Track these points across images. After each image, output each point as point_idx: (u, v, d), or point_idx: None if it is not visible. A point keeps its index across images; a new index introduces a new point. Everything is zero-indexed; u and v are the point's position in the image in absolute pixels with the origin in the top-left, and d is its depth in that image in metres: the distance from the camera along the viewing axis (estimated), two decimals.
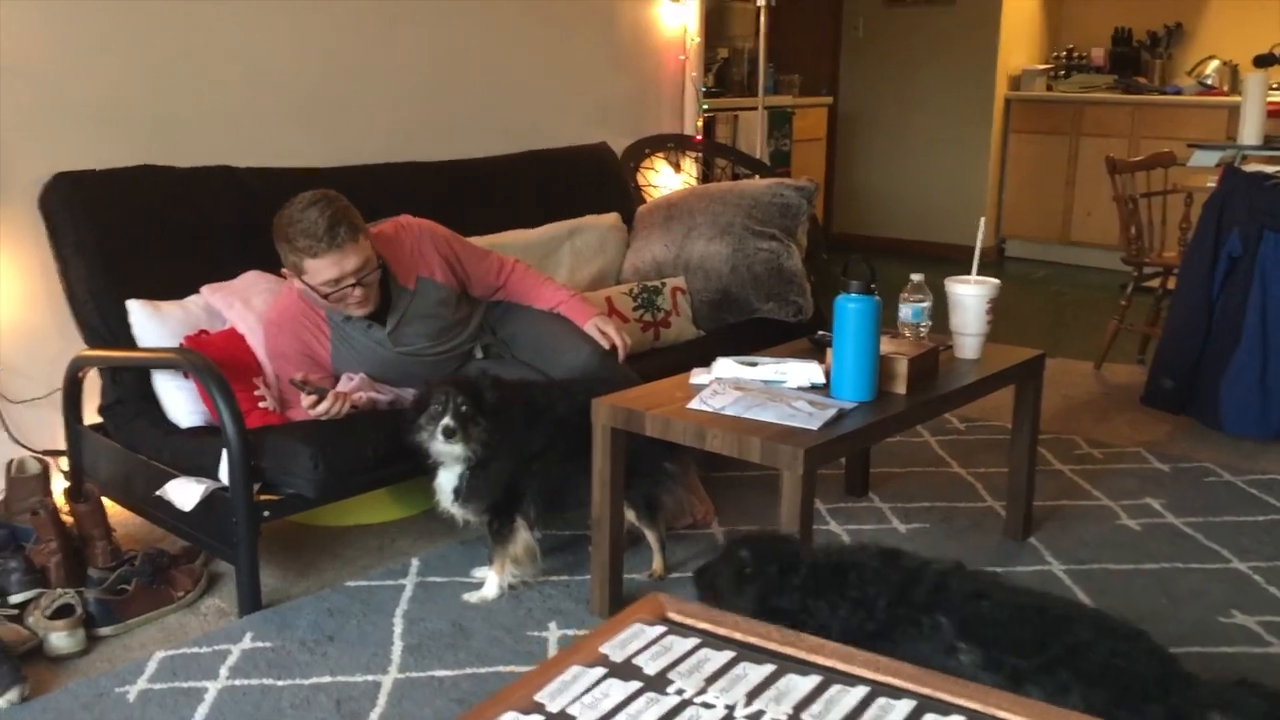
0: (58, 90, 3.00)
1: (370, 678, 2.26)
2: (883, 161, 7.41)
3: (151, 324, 2.77)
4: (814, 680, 1.24)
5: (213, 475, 2.55)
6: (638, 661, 1.28)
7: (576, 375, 2.82)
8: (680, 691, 1.22)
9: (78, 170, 2.89)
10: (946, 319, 2.77)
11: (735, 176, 4.83)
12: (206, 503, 2.51)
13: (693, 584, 1.92)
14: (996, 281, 2.75)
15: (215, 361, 2.54)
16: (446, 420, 2.41)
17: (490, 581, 2.61)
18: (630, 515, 2.64)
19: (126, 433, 2.81)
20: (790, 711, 1.18)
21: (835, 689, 1.23)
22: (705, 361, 2.63)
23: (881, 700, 1.21)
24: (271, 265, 2.87)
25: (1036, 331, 5.23)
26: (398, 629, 2.46)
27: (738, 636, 1.34)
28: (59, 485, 2.97)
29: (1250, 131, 4.62)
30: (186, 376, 2.72)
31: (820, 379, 2.47)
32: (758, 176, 4.41)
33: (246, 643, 2.39)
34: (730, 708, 1.19)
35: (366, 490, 2.74)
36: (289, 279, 2.70)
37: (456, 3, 3.94)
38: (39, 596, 2.46)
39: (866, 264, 2.41)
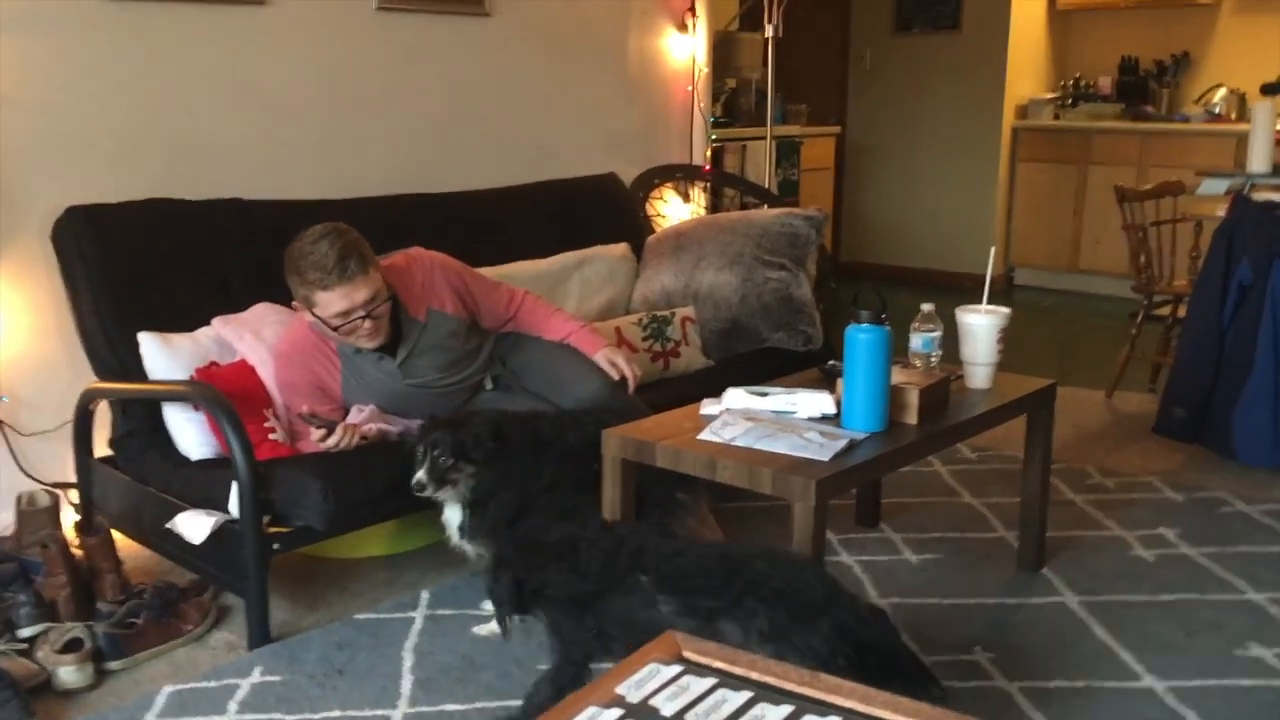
0: (70, 124, 3.02)
1: (380, 712, 2.25)
2: (890, 190, 7.43)
3: (162, 356, 2.77)
4: None
5: (222, 508, 2.54)
6: (654, 703, 1.27)
7: (586, 406, 2.82)
8: None
9: (89, 204, 2.91)
10: (957, 348, 2.77)
11: (744, 206, 4.84)
12: (216, 535, 2.50)
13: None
14: (1007, 310, 2.75)
15: (226, 393, 2.55)
16: (418, 475, 2.41)
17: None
18: None
19: (136, 465, 2.81)
20: None
21: None
22: (715, 391, 2.62)
23: None
24: (282, 297, 2.87)
25: (1046, 360, 5.21)
26: (407, 662, 2.45)
27: (755, 676, 1.33)
28: (69, 518, 2.97)
29: (1259, 159, 4.62)
30: (197, 409, 2.72)
31: (831, 409, 2.46)
32: (766, 206, 4.42)
33: (256, 676, 2.38)
34: None
35: (376, 522, 2.74)
36: (300, 311, 2.71)
37: (467, 36, 3.96)
38: (48, 631, 2.45)
39: (877, 294, 2.41)
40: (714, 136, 5.01)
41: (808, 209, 3.92)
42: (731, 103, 6.09)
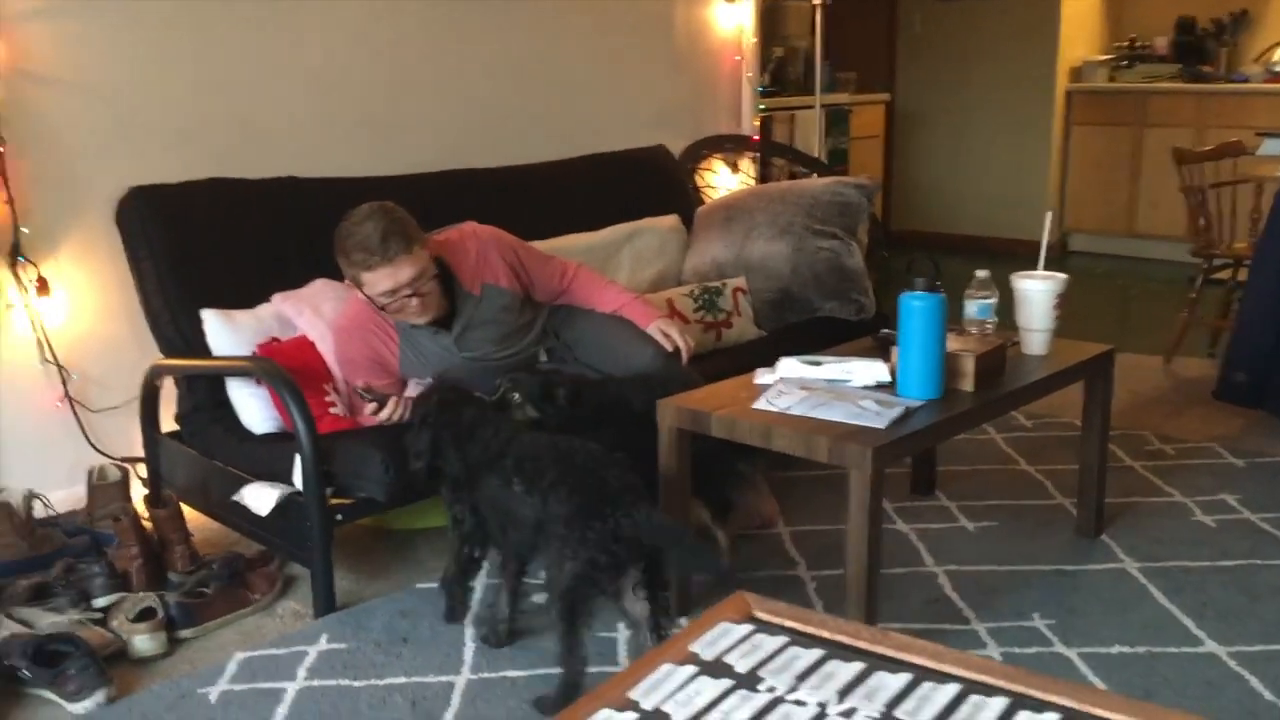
0: (132, 107, 3.08)
1: (444, 678, 2.29)
2: (941, 157, 7.34)
3: (225, 332, 2.83)
4: (905, 678, 1.24)
5: (286, 480, 2.60)
6: (728, 660, 1.29)
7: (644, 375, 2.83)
8: (771, 689, 1.23)
9: (152, 184, 2.97)
10: (1012, 315, 2.75)
11: (792, 176, 4.81)
12: (281, 507, 2.56)
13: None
14: (1064, 276, 2.72)
15: (287, 368, 2.59)
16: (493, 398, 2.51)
17: None
18: (704, 516, 2.65)
19: (202, 439, 2.88)
20: (883, 709, 1.18)
21: (927, 686, 1.23)
22: (768, 361, 2.63)
23: (974, 698, 1.20)
24: (339, 273, 2.92)
25: (1102, 326, 5.14)
26: (469, 630, 2.49)
27: (825, 635, 1.35)
28: (137, 492, 3.04)
29: None
30: (260, 384, 2.77)
31: (886, 377, 2.46)
32: (816, 175, 4.40)
33: (322, 644, 2.44)
34: (822, 705, 1.19)
35: (436, 494, 2.77)
36: (349, 290, 2.75)
37: (516, 11, 3.98)
38: (121, 600, 2.53)
39: (931, 261, 2.40)
40: (762, 106, 4.98)
41: (859, 177, 3.90)
42: (779, 72, 6.05)
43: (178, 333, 2.88)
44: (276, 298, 2.93)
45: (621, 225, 3.78)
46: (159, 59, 3.12)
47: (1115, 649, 2.35)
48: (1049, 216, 2.87)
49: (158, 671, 2.37)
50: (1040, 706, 1.19)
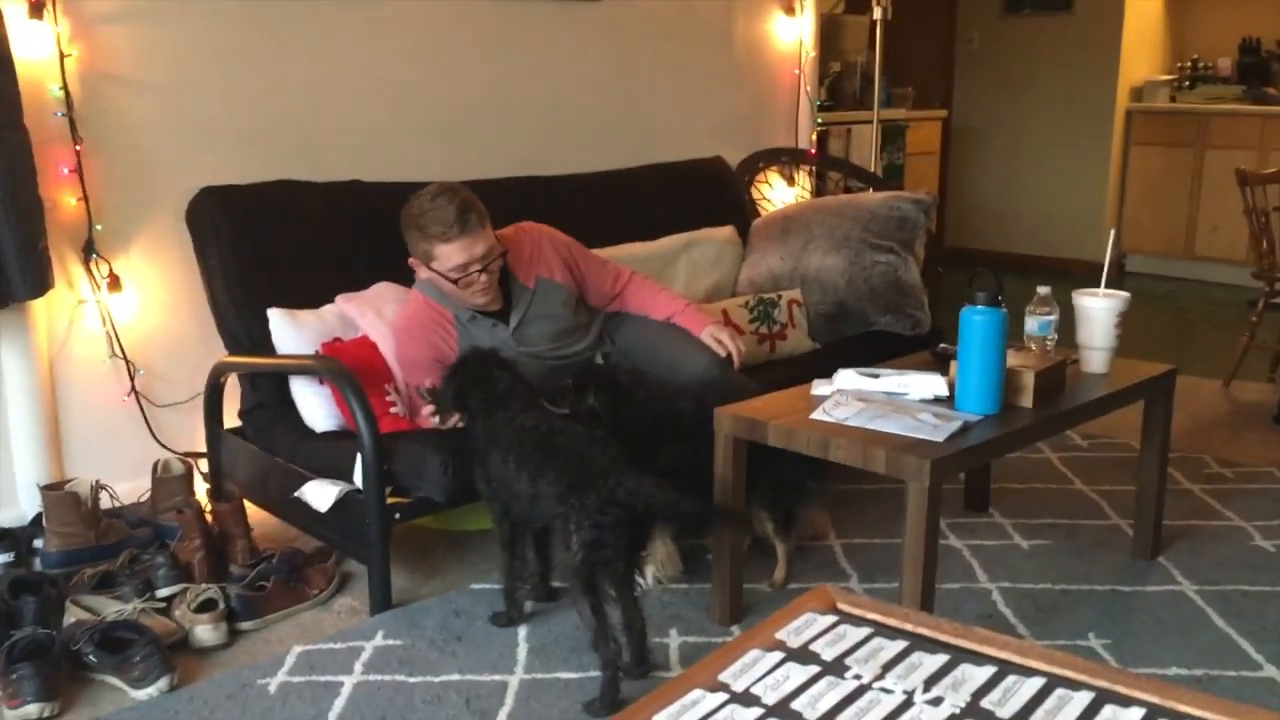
0: (205, 109, 3.15)
1: (498, 677, 2.32)
2: (997, 175, 7.30)
3: (290, 332, 2.88)
4: (989, 670, 1.26)
5: (346, 478, 2.64)
6: (814, 648, 1.31)
7: (695, 384, 2.85)
8: (858, 677, 1.25)
9: (222, 185, 3.03)
10: (1072, 333, 2.73)
11: (848, 190, 4.81)
12: (340, 504, 2.60)
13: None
14: (1126, 294, 2.70)
15: (350, 368, 2.64)
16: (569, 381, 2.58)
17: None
18: (767, 527, 2.67)
19: (264, 436, 2.93)
20: (969, 700, 1.20)
21: (1012, 679, 1.24)
22: (822, 374, 2.63)
23: (1060, 691, 1.22)
24: (400, 277, 2.97)
25: (1161, 348, 5.09)
26: (521, 631, 2.51)
27: (909, 627, 1.36)
28: (199, 486, 3.10)
29: None
30: (322, 382, 2.82)
31: (944, 391, 2.46)
32: (871, 190, 4.39)
33: (379, 640, 2.47)
34: (909, 694, 1.21)
35: None
36: (416, 269, 2.79)
37: (578, 21, 4.02)
38: (184, 591, 2.58)
39: (994, 276, 2.40)
40: (820, 120, 4.99)
41: (917, 192, 3.89)
42: (835, 86, 6.05)
43: (244, 331, 2.93)
44: (340, 299, 2.98)
45: (678, 235, 3.80)
46: (232, 62, 3.19)
47: (1172, 670, 2.32)
48: (1112, 235, 2.85)
49: (218, 661, 2.41)
50: (1126, 701, 1.19)
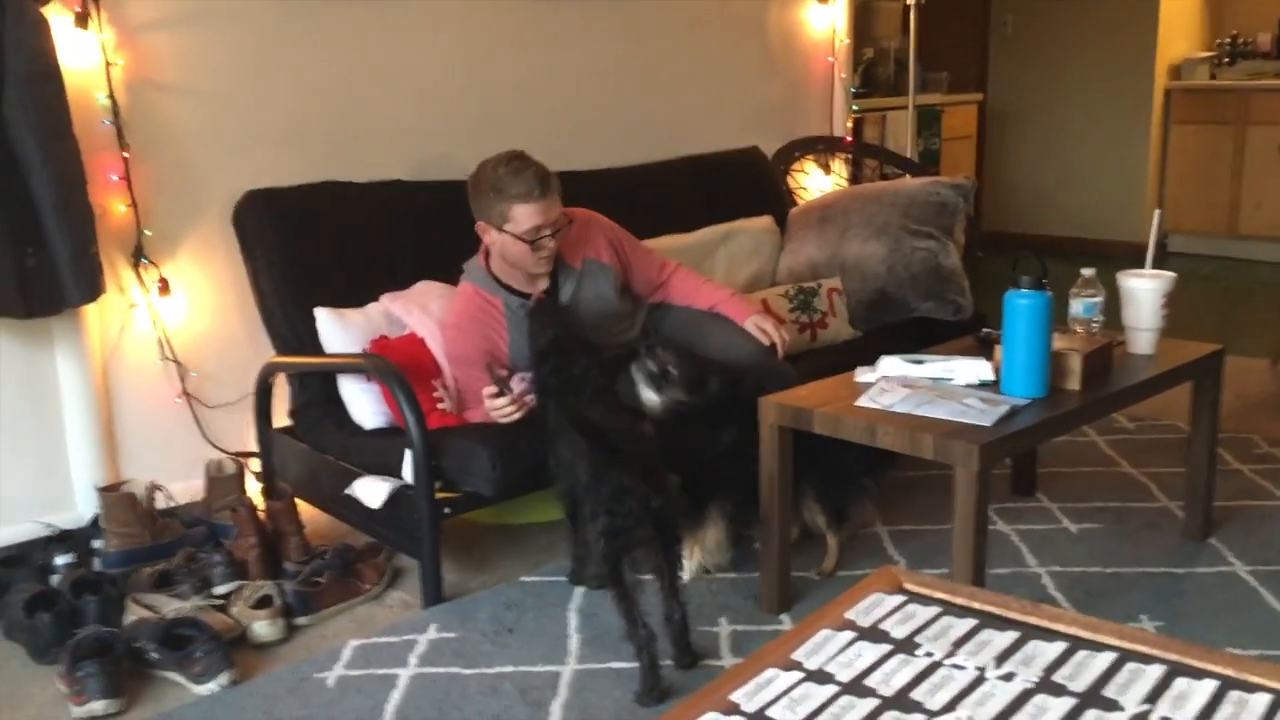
0: (249, 112, 3.20)
1: (551, 668, 2.34)
2: (1035, 158, 7.24)
3: (337, 331, 2.92)
4: (1060, 646, 1.27)
5: (395, 474, 2.68)
6: (884, 627, 1.33)
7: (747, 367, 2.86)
8: (930, 654, 1.26)
9: (267, 187, 3.07)
10: (1116, 315, 2.71)
11: (884, 176, 4.80)
12: (391, 500, 2.64)
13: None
14: (1172, 274, 2.68)
15: (398, 365, 2.67)
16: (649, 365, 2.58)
17: (684, 566, 2.68)
18: (819, 521, 2.68)
19: (314, 434, 2.97)
20: (1041, 675, 1.21)
21: (1083, 654, 1.25)
22: (864, 361, 2.63)
23: (1131, 665, 1.22)
24: (444, 275, 3.00)
25: (1205, 328, 5.02)
26: (573, 623, 2.54)
27: (977, 605, 1.37)
28: (250, 485, 3.15)
29: None
30: (370, 380, 2.85)
31: (990, 376, 2.45)
32: (908, 176, 4.37)
33: (432, 633, 2.50)
34: (981, 669, 1.22)
35: (539, 490, 2.82)
36: (483, 233, 2.82)
37: (611, 15, 4.03)
38: (240, 588, 2.62)
39: (1038, 259, 2.39)
40: (855, 107, 4.97)
41: (955, 177, 3.87)
42: (869, 73, 6.03)
43: (291, 331, 2.97)
44: (385, 297, 3.01)
45: (716, 226, 3.81)
46: (272, 66, 3.23)
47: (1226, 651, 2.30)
48: (1158, 214, 2.83)
49: (277, 656, 2.45)
50: (1198, 674, 1.20)
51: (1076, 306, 2.64)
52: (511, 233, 2.75)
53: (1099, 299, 2.63)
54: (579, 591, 2.68)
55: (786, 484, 2.51)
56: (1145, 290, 2.65)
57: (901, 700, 1.18)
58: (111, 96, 2.93)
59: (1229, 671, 1.20)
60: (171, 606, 2.54)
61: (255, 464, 3.16)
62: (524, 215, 2.73)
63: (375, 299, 3.03)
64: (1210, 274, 6.32)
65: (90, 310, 2.93)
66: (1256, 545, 2.79)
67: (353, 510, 2.76)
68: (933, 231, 3.66)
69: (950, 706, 1.16)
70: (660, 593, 2.29)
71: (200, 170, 3.13)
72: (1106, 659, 1.24)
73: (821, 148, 4.71)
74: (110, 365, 3.04)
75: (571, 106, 3.95)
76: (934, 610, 1.36)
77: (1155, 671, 1.21)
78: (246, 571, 2.70)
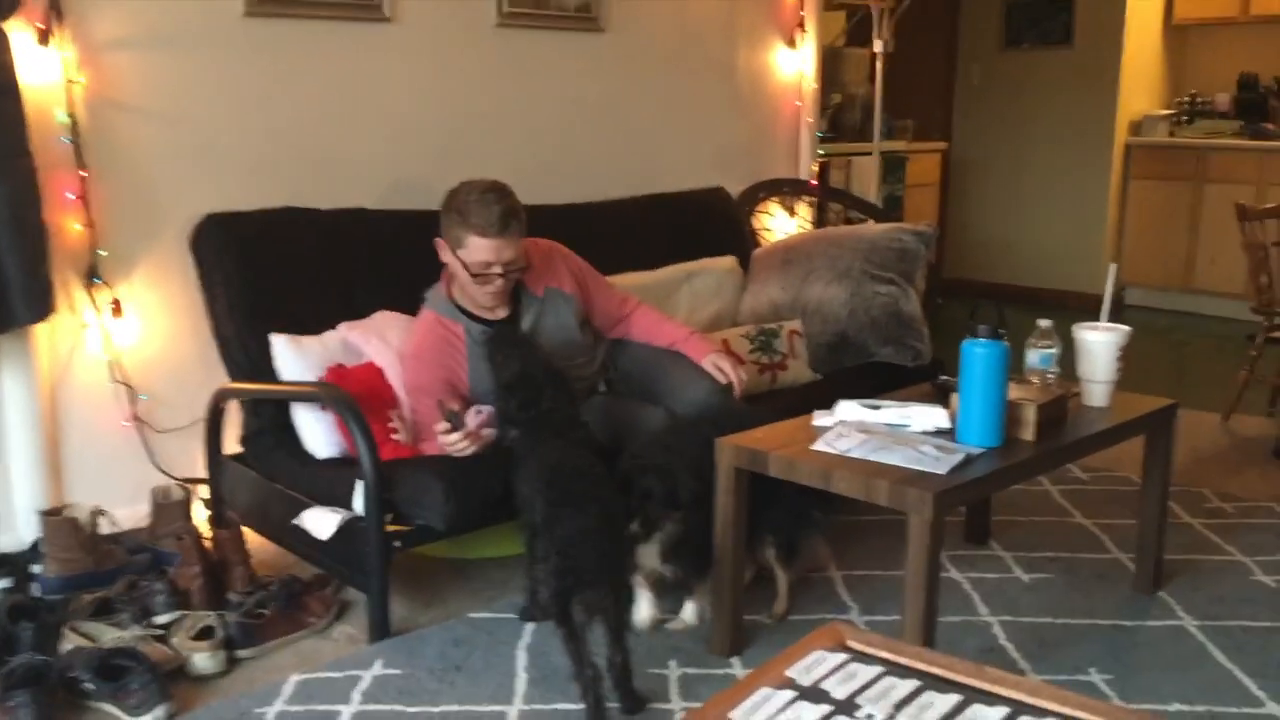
0: (211, 136, 3.17)
1: (497, 708, 2.31)
2: (996, 207, 7.33)
3: (292, 358, 2.88)
4: (1002, 711, 1.25)
5: (346, 505, 2.64)
6: (824, 686, 1.31)
7: (696, 411, 2.85)
8: (869, 716, 1.24)
9: (226, 212, 3.04)
10: (1072, 367, 2.74)
11: (848, 221, 4.83)
12: (340, 532, 2.59)
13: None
14: (1127, 329, 2.71)
15: (354, 394, 2.64)
16: (633, 528, 2.45)
17: (688, 609, 2.67)
18: (770, 556, 2.67)
19: (265, 462, 2.93)
20: None
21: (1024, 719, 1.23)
22: (822, 405, 2.63)
23: None
24: (404, 303, 2.98)
25: (1160, 381, 5.09)
26: (521, 661, 2.50)
27: (920, 666, 1.36)
28: (198, 512, 3.09)
29: None
30: (324, 408, 2.82)
31: (945, 423, 2.46)
32: (871, 221, 4.41)
33: (377, 669, 2.46)
34: None
35: (493, 524, 2.80)
36: (440, 250, 2.82)
37: (582, 52, 4.04)
38: (182, 618, 2.56)
39: (996, 309, 2.40)
40: (821, 152, 5.01)
41: (917, 224, 3.91)
42: (836, 118, 6.08)
43: (246, 357, 2.93)
44: (343, 326, 2.98)
45: (680, 265, 3.81)
46: (238, 90, 3.21)
47: (1174, 706, 2.31)
48: (1113, 269, 2.87)
49: (216, 689, 2.40)
50: None
51: (1033, 357, 2.65)
52: (463, 260, 2.76)
53: (1055, 350, 2.65)
54: (529, 629, 2.64)
55: (741, 526, 2.50)
56: (1100, 344, 2.68)
57: None
58: (71, 115, 2.90)
59: None
60: (110, 635, 2.48)
61: (203, 491, 3.10)
62: (477, 248, 2.74)
63: (333, 327, 3.00)
64: (1165, 327, 6.41)
65: (40, 330, 2.88)
66: (1205, 600, 2.80)
67: (301, 541, 2.72)
68: (894, 277, 3.68)
69: None
70: (606, 635, 2.26)
71: (159, 192, 3.09)
72: None
73: (787, 190, 4.74)
74: (58, 386, 2.98)
75: (538, 140, 3.95)
76: (876, 670, 1.34)
77: None
78: (189, 601, 2.64)
